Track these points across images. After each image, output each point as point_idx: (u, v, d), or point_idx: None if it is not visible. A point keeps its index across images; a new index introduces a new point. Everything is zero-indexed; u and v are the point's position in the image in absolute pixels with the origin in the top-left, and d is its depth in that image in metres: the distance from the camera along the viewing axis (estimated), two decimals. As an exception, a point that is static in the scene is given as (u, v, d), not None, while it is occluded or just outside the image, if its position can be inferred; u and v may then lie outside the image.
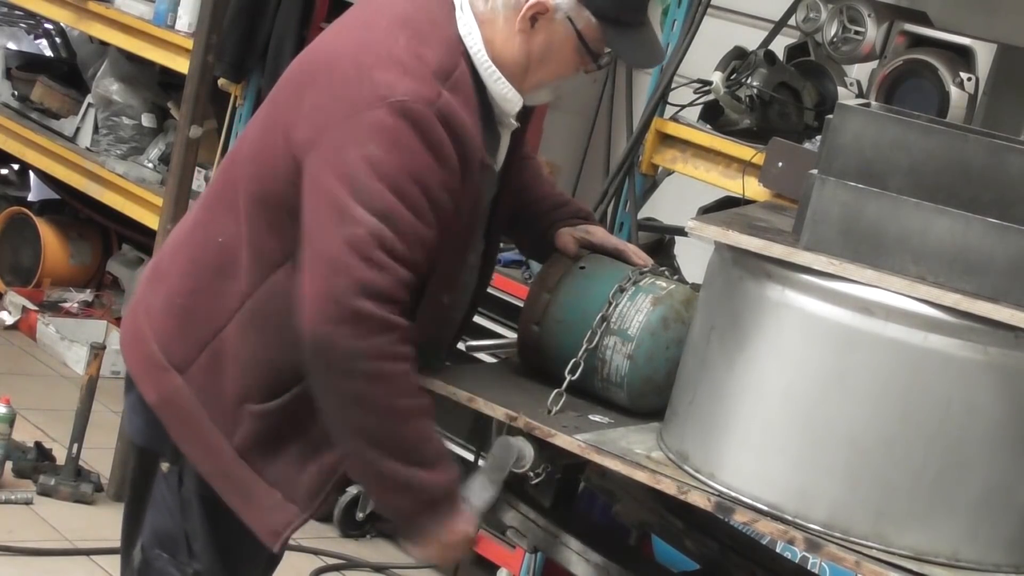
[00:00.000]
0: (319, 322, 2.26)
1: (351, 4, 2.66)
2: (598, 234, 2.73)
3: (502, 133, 2.52)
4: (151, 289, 2.59)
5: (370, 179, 2.28)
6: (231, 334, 2.45)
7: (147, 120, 5.66)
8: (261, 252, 2.41)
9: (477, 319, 4.53)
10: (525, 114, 2.55)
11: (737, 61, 3.91)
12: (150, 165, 5.53)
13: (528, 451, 2.40)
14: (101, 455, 4.66)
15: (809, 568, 3.48)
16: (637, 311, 2.52)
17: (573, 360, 2.50)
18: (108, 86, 5.64)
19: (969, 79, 3.67)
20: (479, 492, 2.43)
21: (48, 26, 6.73)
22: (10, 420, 4.49)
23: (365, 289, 2.25)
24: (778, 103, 3.87)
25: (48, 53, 6.78)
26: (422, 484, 2.35)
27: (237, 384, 2.45)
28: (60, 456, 4.62)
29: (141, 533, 2.62)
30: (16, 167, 6.74)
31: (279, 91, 2.49)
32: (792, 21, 4.17)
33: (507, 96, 2.44)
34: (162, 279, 2.57)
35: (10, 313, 5.97)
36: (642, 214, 4.28)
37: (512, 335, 2.97)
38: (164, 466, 2.55)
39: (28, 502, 4.45)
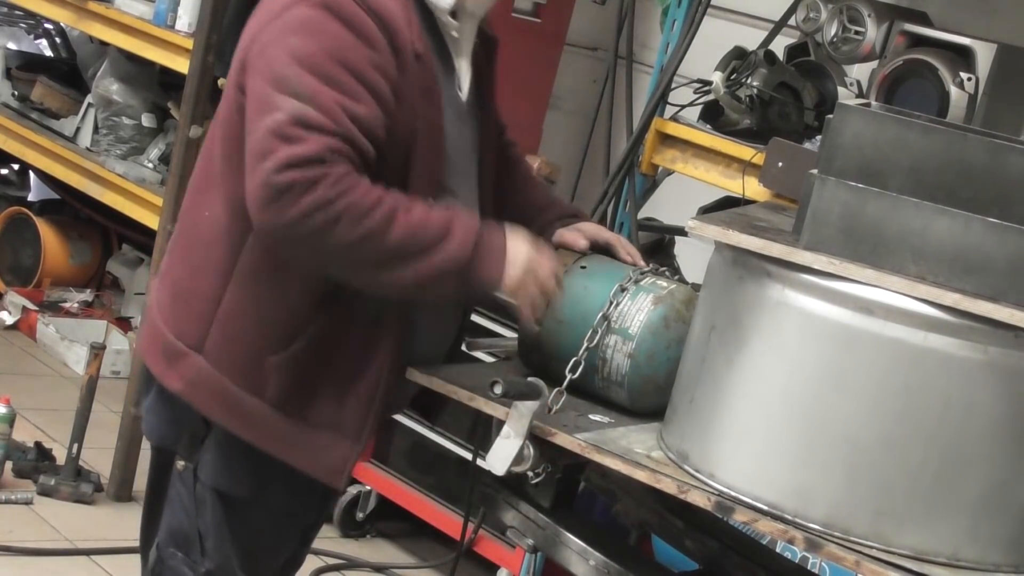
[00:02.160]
0: (259, 212, 2.29)
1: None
2: (590, 230, 2.75)
3: (458, 59, 2.54)
4: (158, 286, 2.63)
5: (290, 67, 2.31)
6: (233, 297, 2.47)
7: (147, 120, 5.66)
8: (239, 205, 2.41)
9: (479, 319, 4.57)
10: (489, 50, 2.61)
11: (737, 61, 3.91)
12: (150, 165, 5.52)
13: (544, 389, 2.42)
14: (101, 455, 4.66)
15: (809, 568, 3.48)
16: (638, 310, 2.52)
17: (574, 359, 2.50)
18: (108, 86, 5.64)
19: (969, 79, 3.67)
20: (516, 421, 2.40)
21: (48, 26, 6.72)
22: (10, 420, 4.49)
23: (288, 163, 2.26)
24: (778, 103, 3.87)
25: (48, 53, 6.78)
26: (450, 257, 2.34)
27: (252, 342, 2.46)
28: (60, 456, 4.62)
29: (158, 533, 2.63)
30: (16, 167, 6.73)
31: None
32: (792, 21, 4.18)
33: None
34: (166, 273, 2.60)
35: (10, 313, 5.97)
36: (642, 214, 4.28)
37: (512, 335, 2.97)
38: (180, 464, 2.56)
39: (28, 502, 4.45)
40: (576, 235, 2.72)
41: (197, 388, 2.50)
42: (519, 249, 2.42)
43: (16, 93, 6.16)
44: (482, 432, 4.19)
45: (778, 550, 3.23)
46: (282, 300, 2.44)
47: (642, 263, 2.70)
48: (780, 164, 3.63)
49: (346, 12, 2.34)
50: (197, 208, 2.54)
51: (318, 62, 2.31)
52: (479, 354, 3.63)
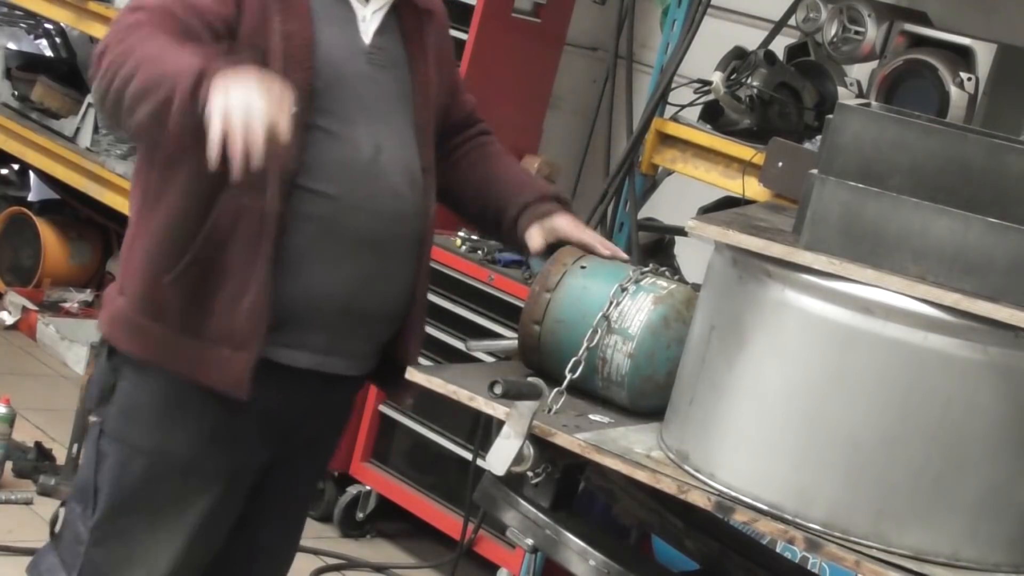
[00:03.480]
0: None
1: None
2: (565, 228, 2.75)
3: (361, 5, 2.62)
4: None
5: None
6: (136, 232, 2.59)
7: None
8: (145, 150, 2.60)
9: (477, 319, 4.57)
10: (421, 17, 2.69)
11: (737, 61, 3.91)
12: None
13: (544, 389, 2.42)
14: (101, 455, 4.66)
15: (809, 568, 3.48)
16: (638, 310, 2.52)
17: (574, 359, 2.50)
18: (108, 86, 5.63)
19: (969, 79, 3.67)
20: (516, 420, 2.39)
21: (48, 26, 6.72)
22: (10, 420, 4.49)
23: (109, 35, 2.43)
24: (778, 103, 3.88)
25: (48, 53, 6.78)
26: (176, 71, 2.31)
27: (149, 267, 2.54)
28: (60, 456, 4.63)
29: None
30: (16, 167, 6.73)
31: None
32: (792, 21, 4.18)
33: None
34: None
35: (10, 313, 5.97)
36: (642, 214, 4.29)
37: (513, 335, 2.97)
38: (91, 419, 2.65)
39: (28, 502, 4.45)
40: (535, 236, 2.74)
41: (114, 326, 2.60)
42: (240, 76, 2.30)
43: (16, 93, 6.16)
44: (482, 432, 4.20)
45: (778, 550, 3.23)
46: (168, 219, 2.52)
47: (624, 256, 2.73)
48: (780, 164, 3.63)
49: None
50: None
51: None
52: (479, 354, 3.64)
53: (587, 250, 2.70)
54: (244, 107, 2.23)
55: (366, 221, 2.56)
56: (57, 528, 2.69)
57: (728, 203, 3.87)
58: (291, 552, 2.89)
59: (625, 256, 2.74)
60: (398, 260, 2.64)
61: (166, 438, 2.57)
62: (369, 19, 2.64)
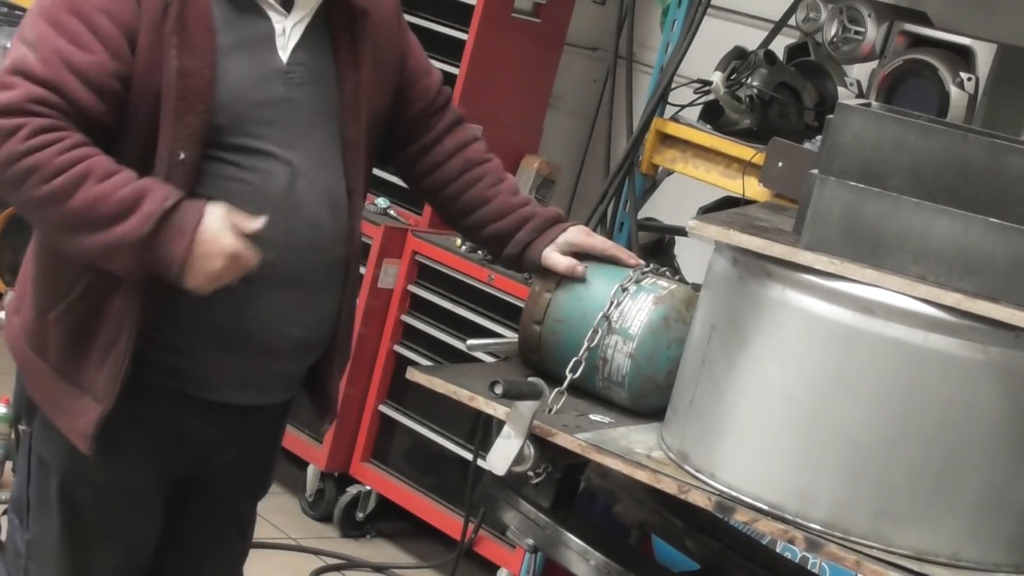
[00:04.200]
0: None
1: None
2: (584, 242, 2.65)
3: (278, 19, 2.46)
4: None
5: (32, 16, 2.34)
6: (32, 252, 2.52)
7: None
8: None
9: (478, 319, 4.57)
10: (351, 19, 2.52)
11: (737, 61, 3.91)
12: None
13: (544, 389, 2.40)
14: (101, 455, 4.65)
15: (809, 568, 3.48)
16: (639, 310, 2.52)
17: (575, 359, 2.50)
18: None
19: (969, 79, 3.67)
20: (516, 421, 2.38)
21: (48, 26, 6.72)
22: (10, 420, 4.49)
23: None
24: (778, 103, 3.87)
25: (48, 53, 6.78)
26: (124, 233, 2.25)
27: (37, 299, 2.47)
28: (60, 456, 4.62)
29: None
30: (16, 167, 6.73)
31: None
32: (792, 21, 4.17)
33: None
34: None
35: (10, 313, 5.97)
36: (642, 214, 4.28)
37: (513, 335, 2.97)
38: (21, 429, 2.58)
39: (28, 502, 4.44)
40: (557, 254, 2.62)
41: (15, 348, 2.54)
42: (206, 226, 2.28)
43: (16, 93, 6.15)
44: (482, 432, 4.20)
45: (778, 550, 3.23)
46: (52, 255, 2.45)
47: (640, 261, 2.68)
48: (780, 164, 3.63)
49: None
50: None
51: (52, 9, 2.32)
52: (479, 354, 3.64)
53: (613, 261, 2.63)
54: (217, 280, 2.30)
55: (281, 256, 2.42)
56: (3, 537, 2.67)
57: (728, 203, 3.87)
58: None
59: (641, 261, 2.66)
60: (318, 290, 2.53)
61: (76, 459, 2.47)
62: (289, 32, 2.46)
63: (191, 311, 2.41)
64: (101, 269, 2.35)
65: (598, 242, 2.67)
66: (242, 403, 2.55)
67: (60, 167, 2.25)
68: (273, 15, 2.46)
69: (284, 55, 2.46)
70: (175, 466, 2.58)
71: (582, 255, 2.64)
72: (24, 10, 6.35)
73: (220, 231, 2.28)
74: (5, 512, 2.69)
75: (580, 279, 2.59)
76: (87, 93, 2.29)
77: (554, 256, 2.63)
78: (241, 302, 2.42)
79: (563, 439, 2.37)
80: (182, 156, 2.34)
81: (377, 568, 4.68)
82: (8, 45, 6.60)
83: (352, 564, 4.66)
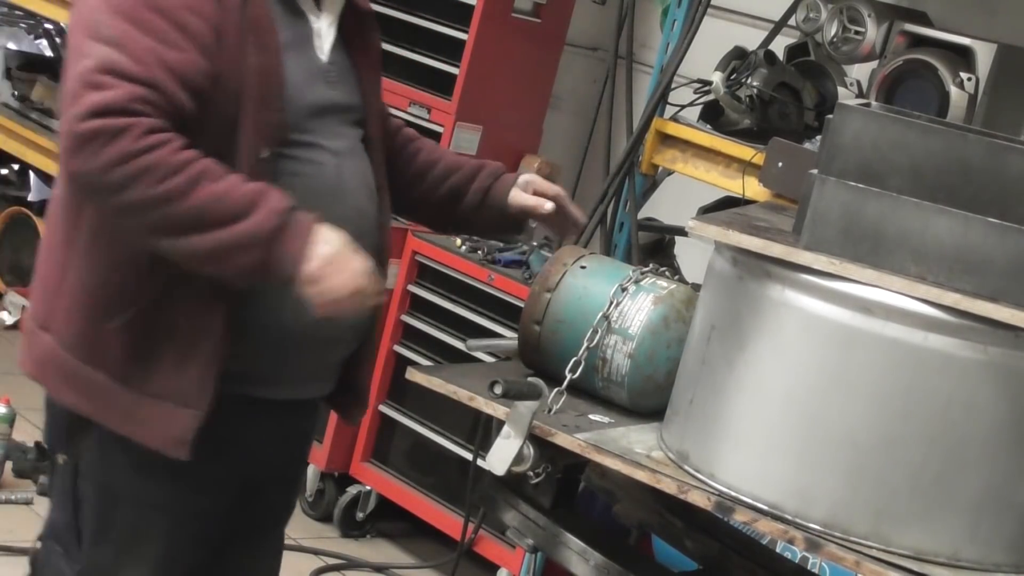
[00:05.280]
0: (67, 161, 2.22)
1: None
2: (540, 182, 2.71)
3: (316, 19, 2.48)
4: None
5: (104, 14, 2.26)
6: (73, 267, 2.40)
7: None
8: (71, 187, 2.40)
9: (478, 319, 4.57)
10: (361, 21, 2.56)
11: (737, 61, 3.91)
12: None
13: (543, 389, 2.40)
14: (101, 455, 4.65)
15: (809, 568, 3.48)
16: (638, 310, 2.52)
17: (574, 359, 2.50)
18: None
19: (969, 79, 3.67)
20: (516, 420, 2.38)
21: (48, 26, 6.72)
22: (10, 420, 4.49)
23: (91, 111, 2.19)
24: (778, 103, 3.87)
25: (48, 53, 6.77)
26: (248, 232, 2.24)
27: (91, 311, 2.38)
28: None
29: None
30: (16, 167, 6.73)
31: None
32: (792, 21, 4.18)
33: None
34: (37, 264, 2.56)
35: (10, 313, 5.97)
36: (642, 214, 4.29)
37: (513, 335, 2.97)
38: (60, 458, 2.51)
39: (28, 502, 4.44)
40: (536, 199, 2.68)
41: (45, 368, 2.44)
42: (328, 238, 2.28)
43: (16, 93, 6.16)
44: (482, 432, 4.20)
45: (778, 550, 3.23)
46: (117, 264, 2.36)
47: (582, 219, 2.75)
48: (780, 164, 3.63)
49: None
50: (53, 207, 2.51)
51: (132, 9, 2.26)
52: (479, 354, 3.64)
53: (563, 207, 2.68)
54: (341, 280, 2.28)
55: None
56: (39, 568, 2.61)
57: (728, 203, 3.87)
58: None
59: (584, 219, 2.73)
60: None
61: (145, 483, 2.44)
62: (324, 33, 2.50)
63: (258, 314, 2.41)
64: (178, 274, 2.31)
65: (551, 186, 2.73)
66: (303, 397, 2.58)
67: (176, 165, 2.22)
68: (311, 16, 2.49)
69: (323, 55, 2.50)
70: (235, 480, 2.56)
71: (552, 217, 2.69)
72: (24, 10, 6.36)
73: (349, 250, 2.28)
74: (39, 539, 2.61)
75: (547, 213, 2.66)
76: (182, 92, 2.26)
77: (520, 195, 2.69)
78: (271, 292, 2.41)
79: (563, 439, 2.37)
80: (264, 154, 2.35)
81: (377, 568, 4.68)
82: (10, 45, 6.58)
83: (352, 564, 4.66)
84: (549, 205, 2.67)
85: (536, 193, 2.71)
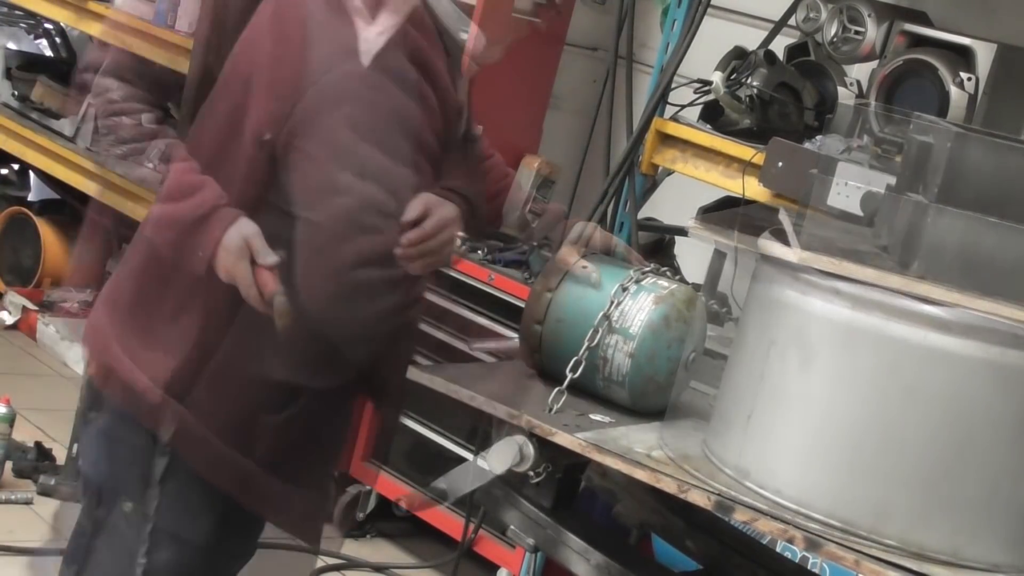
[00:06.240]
0: (327, 303, 2.19)
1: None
2: (596, 237, 2.71)
3: (358, 20, 2.43)
4: (110, 309, 2.56)
5: (349, 136, 2.20)
6: (229, 349, 2.36)
7: (147, 120, 5.65)
8: None
9: (478, 319, 4.57)
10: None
11: (737, 61, 3.91)
12: (150, 165, 5.52)
13: (529, 451, 2.40)
14: (101, 455, 4.65)
15: (809, 568, 3.48)
16: (639, 310, 2.52)
17: (575, 358, 2.50)
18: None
19: (969, 79, 3.67)
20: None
21: (48, 26, 6.72)
22: (10, 420, 4.49)
23: (367, 259, 2.17)
24: (778, 103, 3.88)
25: (48, 53, 6.78)
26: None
27: (248, 402, 2.37)
28: (60, 456, 4.63)
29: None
30: (16, 167, 6.74)
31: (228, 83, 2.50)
32: (792, 21, 4.18)
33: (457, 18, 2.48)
34: (120, 295, 2.56)
35: (10, 313, 5.98)
36: (642, 214, 4.29)
37: (514, 335, 2.97)
38: (127, 506, 2.46)
39: (28, 502, 4.45)
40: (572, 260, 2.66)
41: (184, 441, 2.38)
42: (239, 230, 2.28)
43: (16, 93, 6.16)
44: (482, 432, 4.20)
45: (778, 550, 3.23)
46: (287, 361, 2.32)
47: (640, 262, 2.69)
48: (780, 164, 3.63)
49: (397, 68, 2.24)
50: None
51: (380, 131, 2.20)
52: (480, 354, 3.64)
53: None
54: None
55: None
56: None
57: (728, 203, 3.87)
58: None
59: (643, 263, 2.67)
60: None
61: (225, 535, 2.47)
62: (372, 41, 2.42)
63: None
64: (326, 376, 2.35)
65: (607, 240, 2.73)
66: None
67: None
68: (359, 21, 2.41)
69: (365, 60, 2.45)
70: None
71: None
72: (24, 10, 6.36)
73: (239, 252, 2.28)
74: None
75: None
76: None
77: (565, 252, 2.66)
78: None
79: (563, 439, 2.37)
80: (267, 136, 2.33)
81: (377, 568, 4.68)
82: (10, 45, 6.59)
83: (352, 564, 4.66)
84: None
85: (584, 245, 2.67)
